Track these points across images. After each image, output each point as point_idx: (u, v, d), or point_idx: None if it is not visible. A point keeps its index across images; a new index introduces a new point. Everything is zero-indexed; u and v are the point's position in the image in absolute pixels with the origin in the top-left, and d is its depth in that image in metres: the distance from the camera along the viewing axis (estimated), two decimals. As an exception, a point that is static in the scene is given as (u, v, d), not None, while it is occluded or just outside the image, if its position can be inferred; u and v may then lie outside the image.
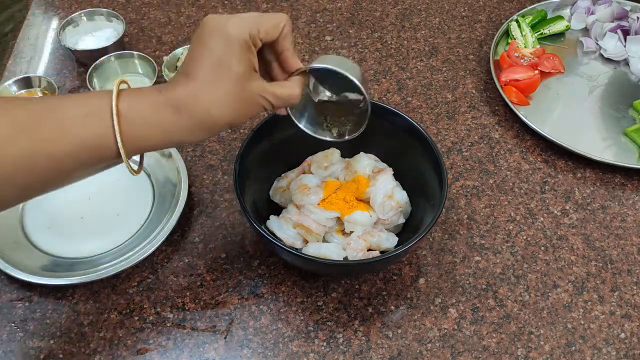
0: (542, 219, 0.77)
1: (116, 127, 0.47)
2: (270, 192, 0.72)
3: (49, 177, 0.48)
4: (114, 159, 0.49)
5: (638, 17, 0.99)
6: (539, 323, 0.67)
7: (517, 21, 0.99)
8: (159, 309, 0.67)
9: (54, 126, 0.47)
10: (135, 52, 0.89)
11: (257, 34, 0.51)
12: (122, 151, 0.48)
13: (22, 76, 0.86)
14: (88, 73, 0.85)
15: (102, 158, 0.49)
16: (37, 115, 0.47)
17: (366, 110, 0.57)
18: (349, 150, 0.73)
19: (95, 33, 0.94)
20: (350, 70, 0.55)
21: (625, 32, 0.98)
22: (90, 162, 0.49)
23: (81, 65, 0.92)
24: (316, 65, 0.54)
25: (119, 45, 0.91)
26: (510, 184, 0.80)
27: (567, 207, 0.78)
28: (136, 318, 0.66)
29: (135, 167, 0.52)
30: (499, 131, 0.87)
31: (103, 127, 0.47)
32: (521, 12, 1.00)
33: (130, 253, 0.68)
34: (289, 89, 0.54)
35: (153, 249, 0.68)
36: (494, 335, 0.66)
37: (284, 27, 0.53)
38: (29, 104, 0.48)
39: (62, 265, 0.69)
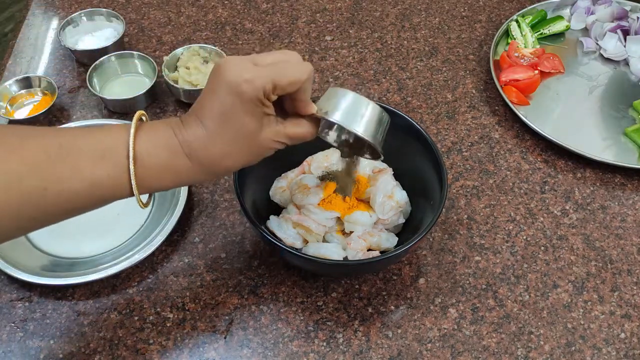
0: (542, 219, 0.77)
1: (132, 171, 0.47)
2: (270, 192, 0.72)
3: (57, 212, 0.48)
4: (127, 196, 0.49)
5: (638, 17, 0.99)
6: (539, 323, 0.67)
7: (517, 21, 0.99)
8: (159, 309, 0.67)
9: (67, 166, 0.46)
10: (135, 52, 0.89)
11: (272, 90, 0.48)
12: (135, 192, 0.48)
13: (22, 76, 0.86)
14: (88, 73, 0.85)
15: (114, 196, 0.49)
16: (51, 156, 0.46)
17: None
18: (349, 150, 0.73)
19: (95, 33, 0.94)
20: (364, 118, 0.53)
21: (625, 32, 0.98)
22: (101, 199, 0.49)
23: (81, 65, 0.92)
24: (329, 119, 0.52)
25: (119, 45, 0.91)
26: (510, 184, 0.80)
27: (567, 207, 0.78)
28: (136, 318, 0.66)
29: (144, 201, 0.52)
30: (499, 131, 0.87)
31: (118, 169, 0.47)
32: (521, 12, 1.00)
33: (130, 253, 0.68)
34: (304, 129, 0.53)
35: (153, 249, 0.68)
36: (494, 335, 0.66)
37: (304, 83, 0.50)
38: (44, 141, 0.47)
39: (62, 265, 0.69)
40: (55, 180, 0.45)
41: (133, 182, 0.47)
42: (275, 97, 0.50)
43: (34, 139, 0.47)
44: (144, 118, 0.51)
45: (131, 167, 0.47)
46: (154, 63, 0.87)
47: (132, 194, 0.49)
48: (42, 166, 0.45)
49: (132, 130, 0.48)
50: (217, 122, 0.49)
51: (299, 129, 0.53)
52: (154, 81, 0.85)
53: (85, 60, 0.91)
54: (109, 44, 0.90)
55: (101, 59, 0.87)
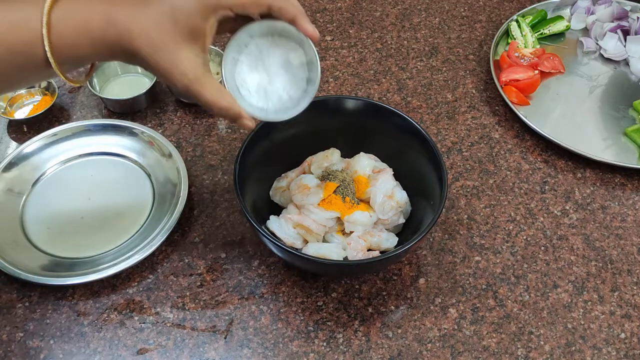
0: (542, 219, 0.76)
1: (45, 36, 0.48)
2: (270, 192, 0.72)
3: None
4: (46, 66, 0.49)
5: (638, 17, 0.99)
6: (539, 323, 0.67)
7: (517, 21, 0.99)
8: (159, 309, 0.67)
9: None
10: None
11: (227, 0, 0.50)
12: (51, 60, 0.49)
13: (22, 76, 0.86)
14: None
15: (33, 65, 0.50)
16: None
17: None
18: (348, 150, 0.73)
19: None
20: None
21: (625, 32, 0.98)
22: (22, 67, 0.50)
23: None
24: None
25: None
26: (510, 184, 0.80)
27: (567, 207, 0.78)
28: (136, 318, 0.66)
29: (76, 78, 0.53)
30: (499, 131, 0.87)
31: (33, 35, 0.48)
32: (521, 12, 1.00)
33: (130, 253, 0.68)
34: (223, 101, 0.52)
35: (153, 249, 0.68)
36: (494, 335, 0.66)
37: (272, 1, 0.51)
38: None
39: (62, 265, 0.69)
40: None
41: (47, 47, 0.48)
42: (230, 12, 0.50)
43: None
44: None
45: (44, 32, 0.48)
46: None
47: (49, 65, 0.49)
48: None
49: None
50: (160, 4, 0.49)
51: (220, 100, 0.52)
52: (154, 81, 0.85)
53: None
54: None
55: None
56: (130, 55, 0.51)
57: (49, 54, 0.48)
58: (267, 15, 0.52)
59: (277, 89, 0.56)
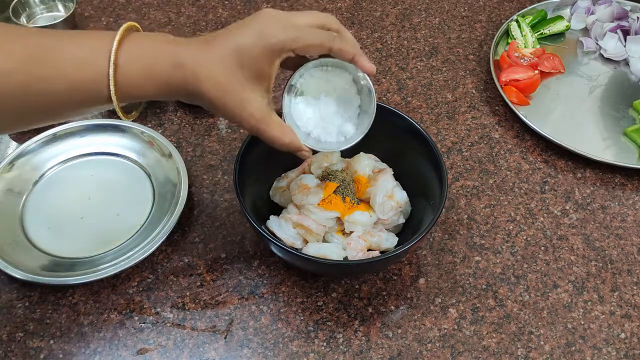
0: (542, 219, 0.76)
1: (111, 75, 0.48)
2: (270, 192, 0.72)
3: (42, 110, 0.50)
4: (107, 103, 0.50)
5: (638, 17, 0.99)
6: (539, 323, 0.67)
7: (517, 21, 0.99)
8: (159, 309, 0.67)
9: (51, 66, 0.47)
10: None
11: (292, 44, 0.51)
12: (114, 98, 0.49)
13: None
14: None
15: (95, 101, 0.50)
16: (37, 54, 0.47)
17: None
18: (349, 150, 0.73)
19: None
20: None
21: (625, 32, 0.98)
22: (83, 103, 0.50)
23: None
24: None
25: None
26: (510, 184, 0.80)
27: (567, 207, 0.78)
28: (136, 318, 0.66)
29: (130, 114, 0.55)
30: (499, 131, 0.87)
31: (99, 73, 0.48)
32: (521, 12, 1.00)
33: (130, 253, 0.68)
34: (286, 138, 0.55)
35: (153, 249, 0.68)
36: (494, 335, 0.66)
37: (333, 43, 0.53)
38: (31, 40, 0.48)
39: (62, 265, 0.69)
40: (39, 79, 0.47)
41: (112, 87, 0.48)
42: (292, 54, 0.52)
43: (21, 37, 0.48)
44: (138, 29, 0.52)
45: (111, 71, 0.48)
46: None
47: (111, 101, 0.49)
48: (27, 64, 0.47)
49: (118, 36, 0.49)
50: (225, 48, 0.50)
51: (283, 137, 0.55)
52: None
53: None
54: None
55: None
56: (196, 97, 0.52)
57: (112, 93, 0.49)
58: (326, 55, 0.55)
59: (331, 122, 0.60)
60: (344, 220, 0.66)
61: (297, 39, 0.51)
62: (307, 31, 0.52)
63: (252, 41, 0.50)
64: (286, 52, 0.52)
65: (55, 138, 0.79)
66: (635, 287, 0.71)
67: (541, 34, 0.99)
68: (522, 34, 0.97)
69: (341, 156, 0.73)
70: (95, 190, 0.76)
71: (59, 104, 0.49)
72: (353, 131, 0.61)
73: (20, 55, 0.47)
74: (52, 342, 0.64)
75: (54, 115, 0.51)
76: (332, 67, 0.58)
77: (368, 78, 0.58)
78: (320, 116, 0.60)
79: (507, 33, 0.99)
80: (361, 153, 0.72)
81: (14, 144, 0.82)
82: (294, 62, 0.56)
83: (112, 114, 0.86)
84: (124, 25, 0.50)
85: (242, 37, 0.51)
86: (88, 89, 0.49)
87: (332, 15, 0.56)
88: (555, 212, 0.77)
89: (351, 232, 0.66)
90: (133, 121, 0.82)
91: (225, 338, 0.65)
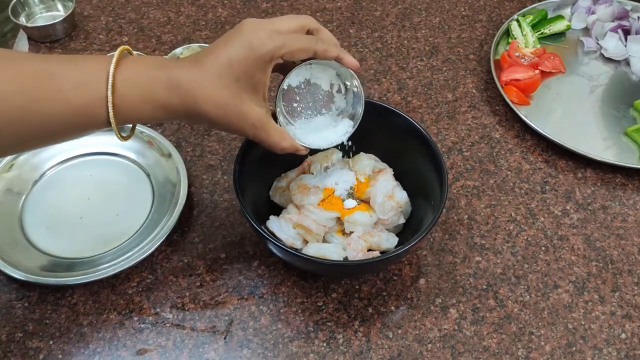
0: (542, 219, 0.76)
1: (109, 98, 0.49)
2: (270, 192, 0.72)
3: (41, 133, 0.50)
4: (105, 126, 0.51)
5: (639, 17, 0.98)
6: (540, 323, 0.67)
7: (517, 21, 0.99)
8: (158, 309, 0.66)
9: (51, 90, 0.48)
10: (135, 53, 0.88)
11: (280, 52, 0.53)
12: (112, 121, 0.50)
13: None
14: None
15: (93, 124, 0.51)
16: (37, 78, 0.48)
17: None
18: (349, 150, 0.73)
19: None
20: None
21: (626, 32, 0.98)
22: (82, 126, 0.51)
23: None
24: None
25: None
26: (511, 184, 0.80)
27: (568, 207, 0.78)
28: (135, 318, 0.66)
29: (125, 134, 0.55)
30: (500, 131, 0.86)
31: (97, 97, 0.49)
32: (522, 11, 1.00)
33: (130, 253, 0.68)
34: (285, 142, 0.58)
35: (153, 249, 0.68)
36: (495, 336, 0.66)
37: (317, 46, 0.55)
38: (32, 63, 0.50)
39: (62, 265, 0.68)
40: (39, 101, 0.48)
41: (110, 109, 0.49)
42: (281, 60, 0.54)
43: (21, 62, 0.50)
44: (132, 53, 0.54)
45: (109, 94, 0.49)
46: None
47: (109, 124, 0.51)
48: (28, 87, 0.48)
49: (114, 60, 0.50)
50: (217, 66, 0.52)
51: (282, 142, 0.57)
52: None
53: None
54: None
55: None
56: (196, 118, 0.54)
57: (111, 116, 0.50)
58: (312, 58, 0.57)
59: (321, 120, 0.64)
60: (344, 221, 0.66)
61: (284, 46, 0.53)
62: (293, 37, 0.54)
63: (244, 54, 0.52)
64: (276, 59, 0.53)
65: (54, 138, 0.79)
66: (636, 288, 0.70)
67: (542, 33, 0.99)
68: (522, 33, 0.97)
69: (342, 156, 0.73)
70: (94, 190, 0.76)
71: (57, 127, 0.50)
72: (346, 125, 0.64)
73: (21, 80, 0.48)
74: (51, 342, 0.64)
75: (52, 138, 0.53)
76: (315, 64, 0.60)
77: (352, 73, 0.61)
78: (312, 115, 0.63)
79: (507, 33, 0.98)
80: (361, 153, 0.72)
81: (13, 143, 0.82)
82: (282, 66, 0.58)
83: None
84: (119, 49, 0.51)
85: (232, 51, 0.52)
86: (87, 112, 0.50)
87: (309, 16, 0.58)
88: (556, 212, 0.77)
89: (351, 232, 0.66)
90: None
91: (225, 338, 0.65)
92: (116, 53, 0.50)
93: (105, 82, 0.49)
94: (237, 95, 0.53)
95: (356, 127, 0.64)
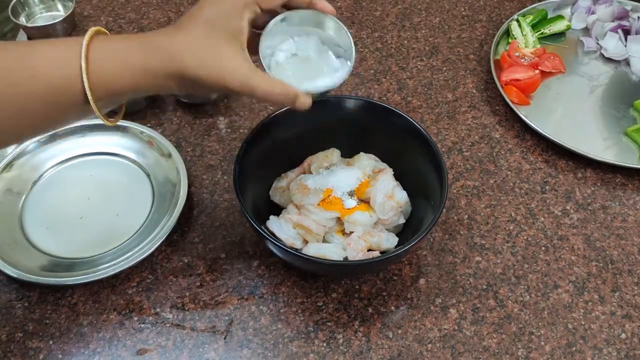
0: (542, 219, 0.76)
1: (83, 68, 0.48)
2: (270, 192, 0.72)
3: (22, 117, 0.49)
4: (85, 104, 0.50)
5: (639, 17, 0.98)
6: (540, 323, 0.67)
7: (517, 21, 0.99)
8: (158, 309, 0.66)
9: (26, 70, 0.48)
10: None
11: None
12: (89, 94, 0.49)
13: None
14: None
15: (72, 101, 0.50)
16: (10, 61, 0.48)
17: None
18: (348, 150, 0.73)
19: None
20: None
21: (626, 32, 0.98)
22: (62, 105, 0.50)
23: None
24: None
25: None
26: (511, 184, 0.80)
27: (568, 207, 0.78)
28: (135, 318, 0.66)
29: (112, 118, 0.55)
30: (500, 131, 0.86)
31: (72, 71, 0.48)
32: (522, 11, 1.00)
33: (130, 253, 0.68)
34: (276, 88, 0.54)
35: (153, 249, 0.68)
36: (495, 336, 0.66)
37: None
38: (5, 48, 0.49)
39: (62, 265, 0.68)
40: (13, 85, 0.47)
41: (85, 81, 0.48)
42: (259, 9, 0.54)
43: None
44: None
45: (83, 66, 0.48)
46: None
47: (87, 101, 0.49)
48: (2, 73, 0.47)
49: (88, 34, 0.49)
50: (197, 25, 0.52)
51: (272, 88, 0.54)
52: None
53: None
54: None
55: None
56: (177, 77, 0.52)
57: (87, 88, 0.48)
58: (288, 6, 0.56)
59: (314, 64, 0.60)
60: (344, 221, 0.66)
61: None
62: None
63: (217, 6, 0.52)
64: (252, 6, 0.53)
65: (54, 138, 0.79)
66: (636, 288, 0.70)
67: (542, 33, 0.99)
68: (522, 33, 0.97)
69: (341, 156, 0.73)
70: (94, 190, 0.76)
71: (36, 107, 0.49)
72: (340, 65, 0.61)
73: None
74: (51, 342, 0.64)
75: (34, 122, 0.51)
76: (297, 28, 0.58)
77: (336, 19, 0.59)
78: (303, 67, 0.59)
79: (507, 33, 0.98)
80: (361, 153, 0.72)
81: (13, 143, 0.82)
82: (262, 21, 0.57)
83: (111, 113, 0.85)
84: (93, 28, 0.51)
85: (207, 9, 0.53)
86: (64, 88, 0.49)
87: None
88: (556, 212, 0.77)
89: (351, 232, 0.66)
90: (132, 120, 0.82)
91: (225, 338, 0.65)
92: (90, 29, 0.50)
93: (79, 55, 0.48)
94: (217, 45, 0.52)
95: (352, 66, 0.61)
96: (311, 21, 0.59)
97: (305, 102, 0.56)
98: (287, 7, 0.57)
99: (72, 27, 0.97)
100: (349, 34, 0.60)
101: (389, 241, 0.67)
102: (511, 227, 0.75)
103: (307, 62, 0.60)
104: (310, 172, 0.71)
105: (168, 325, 0.65)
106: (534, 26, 0.99)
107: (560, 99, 0.91)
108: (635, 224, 0.76)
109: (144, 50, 0.50)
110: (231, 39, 0.52)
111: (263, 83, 0.53)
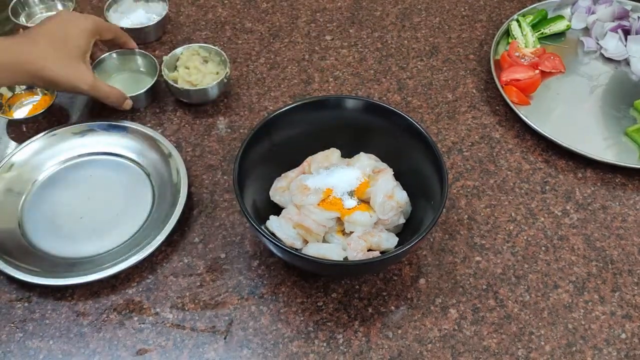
0: (542, 219, 0.76)
1: None
2: (270, 192, 0.72)
3: None
4: None
5: (639, 17, 0.98)
6: (540, 323, 0.67)
7: (517, 21, 0.99)
8: (158, 310, 0.66)
9: None
10: (137, 50, 0.89)
11: (98, 27, 0.80)
12: None
13: (22, 76, 0.86)
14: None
15: None
16: None
17: None
18: (348, 150, 0.73)
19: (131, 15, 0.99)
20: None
21: (626, 32, 0.98)
22: None
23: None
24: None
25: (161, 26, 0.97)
26: (511, 184, 0.80)
27: (568, 207, 0.78)
28: (135, 318, 0.66)
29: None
30: (500, 131, 0.86)
31: None
32: (522, 11, 1.00)
33: (130, 253, 0.68)
34: (115, 91, 0.80)
35: (153, 249, 0.68)
36: (495, 336, 0.66)
37: (115, 32, 0.84)
38: None
39: (62, 266, 0.68)
40: None
41: None
42: (98, 37, 0.80)
43: None
44: None
45: None
46: (155, 60, 0.87)
47: None
48: None
49: None
50: (48, 36, 0.73)
51: (108, 92, 0.79)
52: (155, 79, 0.85)
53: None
54: (152, 23, 0.95)
55: (102, 55, 0.87)
56: (33, 76, 0.72)
57: None
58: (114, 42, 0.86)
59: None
60: (344, 221, 0.66)
61: (99, 24, 0.80)
62: (101, 21, 0.82)
63: (73, 30, 0.75)
64: (95, 34, 0.79)
65: (55, 138, 0.79)
66: (636, 288, 0.70)
67: (542, 33, 0.99)
68: (522, 33, 0.97)
69: (341, 156, 0.73)
70: (95, 190, 0.76)
71: None
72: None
73: None
74: (51, 342, 0.64)
75: None
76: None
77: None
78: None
79: (507, 33, 0.98)
80: (361, 153, 0.72)
81: (13, 144, 0.82)
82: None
83: (111, 113, 0.86)
84: None
85: (58, 29, 0.74)
86: None
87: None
88: (556, 212, 0.77)
89: (351, 233, 0.66)
90: (132, 120, 0.82)
91: (225, 338, 0.65)
92: None
93: None
94: (70, 58, 0.74)
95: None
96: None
97: (129, 104, 0.82)
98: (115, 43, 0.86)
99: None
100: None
101: (389, 241, 0.67)
102: (511, 227, 0.75)
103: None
104: (310, 172, 0.71)
105: (168, 325, 0.65)
106: (534, 26, 0.99)
107: (560, 99, 0.91)
108: (635, 224, 0.76)
109: (10, 52, 0.70)
110: (80, 54, 0.76)
111: (106, 87, 0.78)
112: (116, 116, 0.85)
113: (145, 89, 0.84)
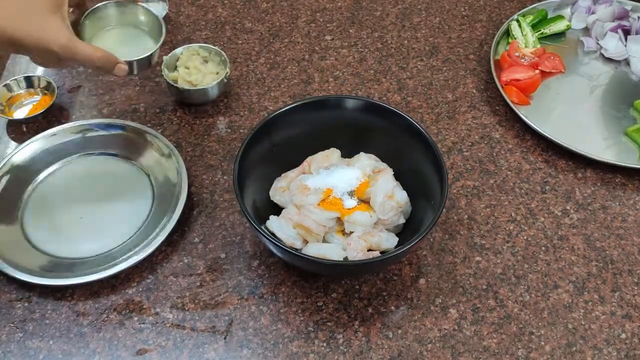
0: (542, 219, 0.76)
1: None
2: (270, 192, 0.72)
3: None
4: None
5: (639, 17, 0.98)
6: (540, 323, 0.67)
7: (517, 21, 0.99)
8: (158, 310, 0.66)
9: None
10: (140, 5, 0.74)
11: None
12: None
13: (22, 75, 0.86)
14: (80, 21, 0.70)
15: None
16: None
17: None
18: (348, 150, 0.73)
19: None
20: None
21: (626, 32, 0.98)
22: None
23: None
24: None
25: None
26: (511, 184, 0.80)
27: (568, 207, 0.78)
28: (135, 318, 0.66)
29: None
30: (500, 131, 0.86)
31: None
32: (522, 11, 1.00)
33: (130, 253, 0.68)
34: (98, 52, 0.63)
35: (153, 249, 0.68)
36: (495, 336, 0.66)
37: None
38: None
39: (62, 265, 0.68)
40: None
41: None
42: None
43: None
44: None
45: None
46: (161, 22, 0.73)
47: None
48: None
49: None
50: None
51: (90, 51, 0.62)
52: (160, 43, 0.71)
53: None
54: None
55: (98, 5, 0.71)
56: (8, 44, 0.59)
57: None
58: None
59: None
60: (344, 221, 0.66)
61: None
62: None
63: None
64: None
65: (55, 138, 0.79)
66: (636, 288, 0.70)
67: (542, 33, 0.99)
68: (522, 33, 0.97)
69: (341, 156, 0.73)
70: (94, 190, 0.76)
71: None
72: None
73: None
74: (51, 342, 0.64)
75: None
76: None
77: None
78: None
79: (507, 33, 0.98)
80: (361, 153, 0.72)
81: (13, 144, 0.82)
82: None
83: (111, 114, 0.86)
84: None
85: None
86: None
87: None
88: (556, 212, 0.77)
89: (351, 232, 0.66)
90: (132, 120, 0.82)
91: (225, 338, 0.65)
92: None
93: None
94: (40, 13, 0.59)
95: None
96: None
97: (122, 69, 0.65)
98: None
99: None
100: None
101: (389, 241, 0.67)
102: (511, 227, 0.75)
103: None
104: (310, 172, 0.71)
105: (168, 325, 0.65)
106: (534, 26, 0.99)
107: (560, 99, 0.91)
108: (635, 224, 0.76)
109: None
110: (55, 8, 0.60)
111: (86, 48, 0.61)
112: (115, 116, 0.85)
113: (147, 54, 0.70)
